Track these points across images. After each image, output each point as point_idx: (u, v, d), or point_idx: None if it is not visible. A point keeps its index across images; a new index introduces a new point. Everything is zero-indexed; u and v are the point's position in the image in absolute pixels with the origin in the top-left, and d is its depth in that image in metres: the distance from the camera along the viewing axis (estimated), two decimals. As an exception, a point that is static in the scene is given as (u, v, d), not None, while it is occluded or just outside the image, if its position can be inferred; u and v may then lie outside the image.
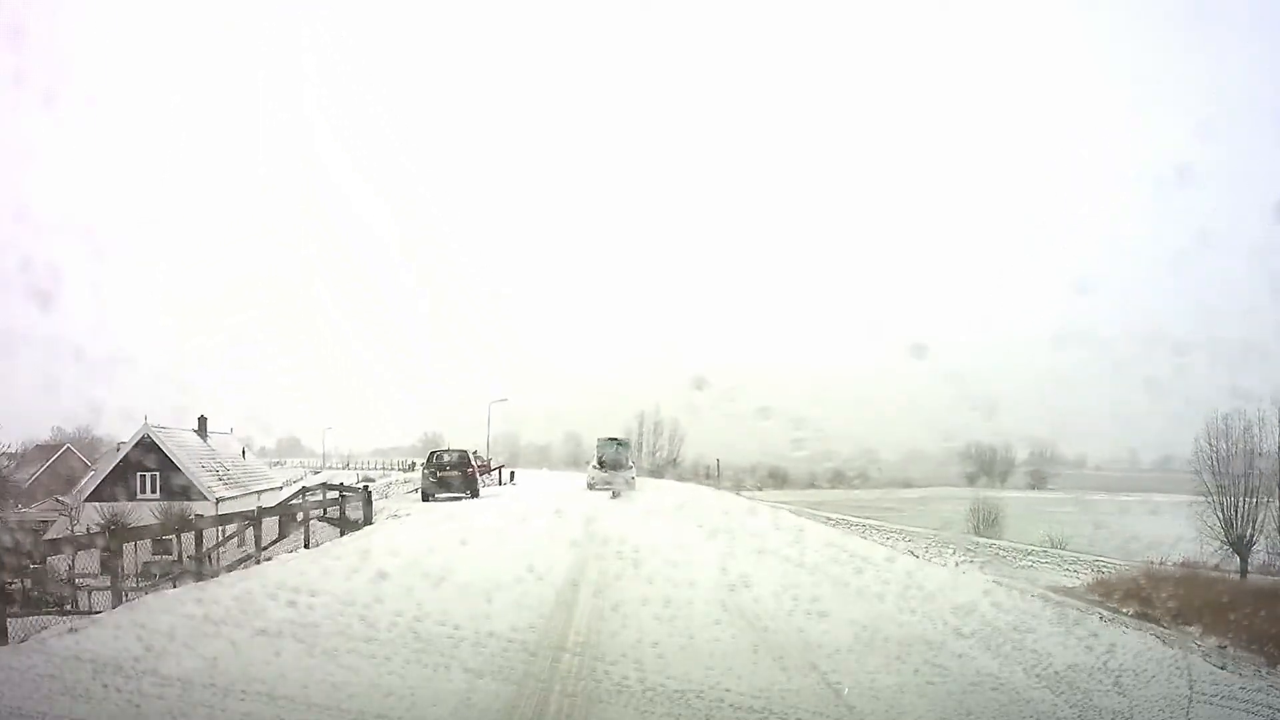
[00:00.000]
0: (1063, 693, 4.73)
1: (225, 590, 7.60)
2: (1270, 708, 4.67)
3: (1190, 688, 4.87)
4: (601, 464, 26.47)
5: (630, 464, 27.20)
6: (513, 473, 32.94)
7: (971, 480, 46.68)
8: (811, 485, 42.29)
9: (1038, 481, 46.36)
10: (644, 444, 45.89)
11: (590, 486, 25.72)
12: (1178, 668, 5.30)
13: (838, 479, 41.99)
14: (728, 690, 4.66)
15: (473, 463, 21.93)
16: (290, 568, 9.32)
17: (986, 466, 47.93)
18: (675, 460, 46.04)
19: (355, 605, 6.70)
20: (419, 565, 9.05)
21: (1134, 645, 5.89)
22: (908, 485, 44.03)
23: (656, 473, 40.04)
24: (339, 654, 5.33)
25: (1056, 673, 5.09)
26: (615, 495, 23.20)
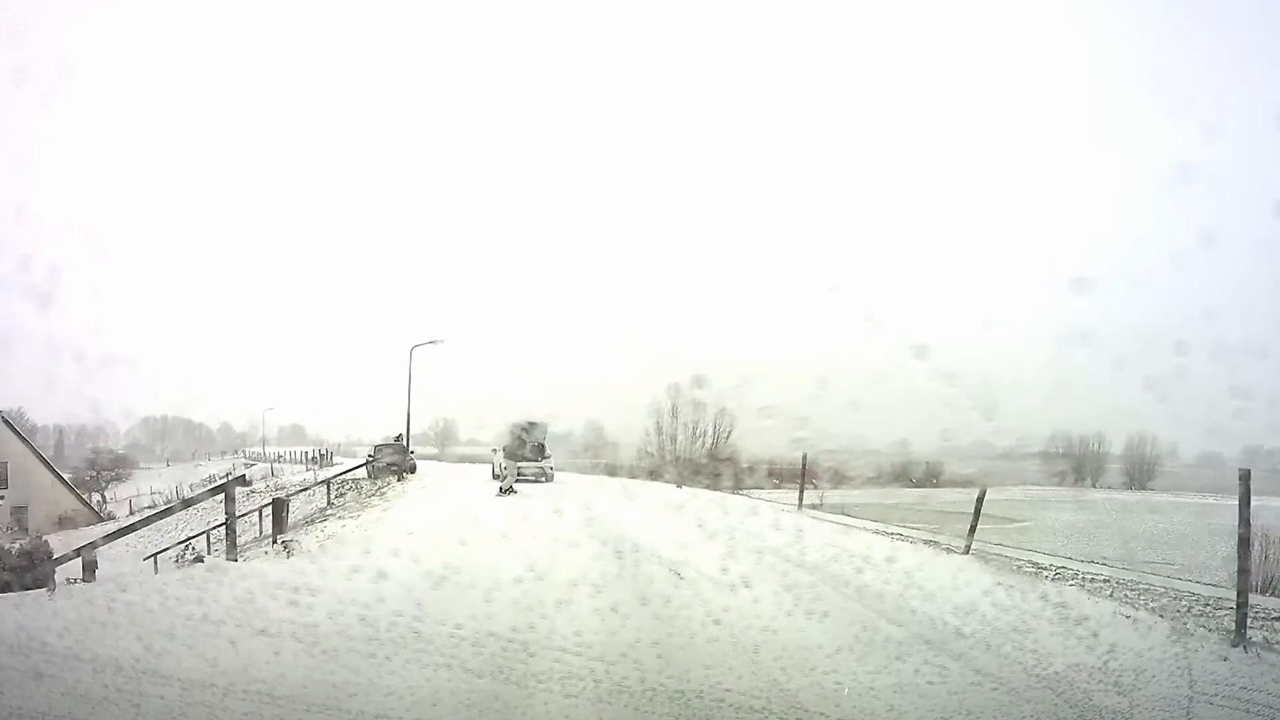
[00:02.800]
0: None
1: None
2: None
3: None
4: (511, 452, 21.93)
5: (547, 452, 22.89)
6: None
7: (1060, 479, 39.38)
8: (883, 485, 34.48)
9: (1137, 480, 38.63)
10: (678, 430, 33.55)
11: (496, 477, 21.62)
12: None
13: (896, 477, 35.34)
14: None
15: None
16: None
17: (1076, 462, 40.20)
18: (726, 456, 32.18)
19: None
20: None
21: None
22: (993, 485, 37.36)
23: (690, 475, 28.80)
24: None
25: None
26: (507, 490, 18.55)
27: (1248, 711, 4.57)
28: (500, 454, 22.37)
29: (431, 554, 9.40)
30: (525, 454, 22.06)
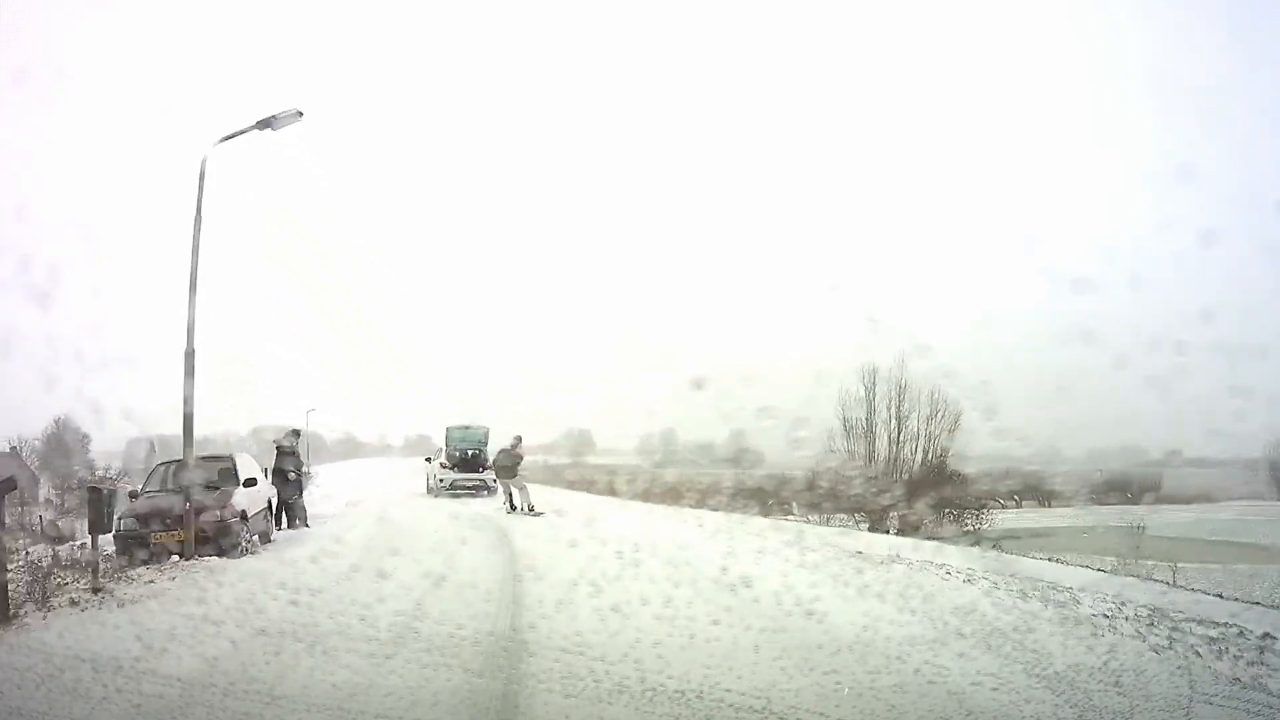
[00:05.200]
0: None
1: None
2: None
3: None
4: (452, 460, 19.65)
5: (489, 461, 19.58)
6: None
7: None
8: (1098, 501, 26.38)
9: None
10: (874, 424, 22.50)
11: (430, 490, 19.82)
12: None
13: (1109, 491, 27.03)
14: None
15: None
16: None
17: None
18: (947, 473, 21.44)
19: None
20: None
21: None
22: (1197, 499, 28.03)
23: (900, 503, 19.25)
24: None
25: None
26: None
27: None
28: (439, 464, 20.04)
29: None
30: (463, 463, 19.54)
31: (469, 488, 19.29)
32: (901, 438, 22.23)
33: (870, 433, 22.26)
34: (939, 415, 21.78)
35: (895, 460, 21.53)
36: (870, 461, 21.79)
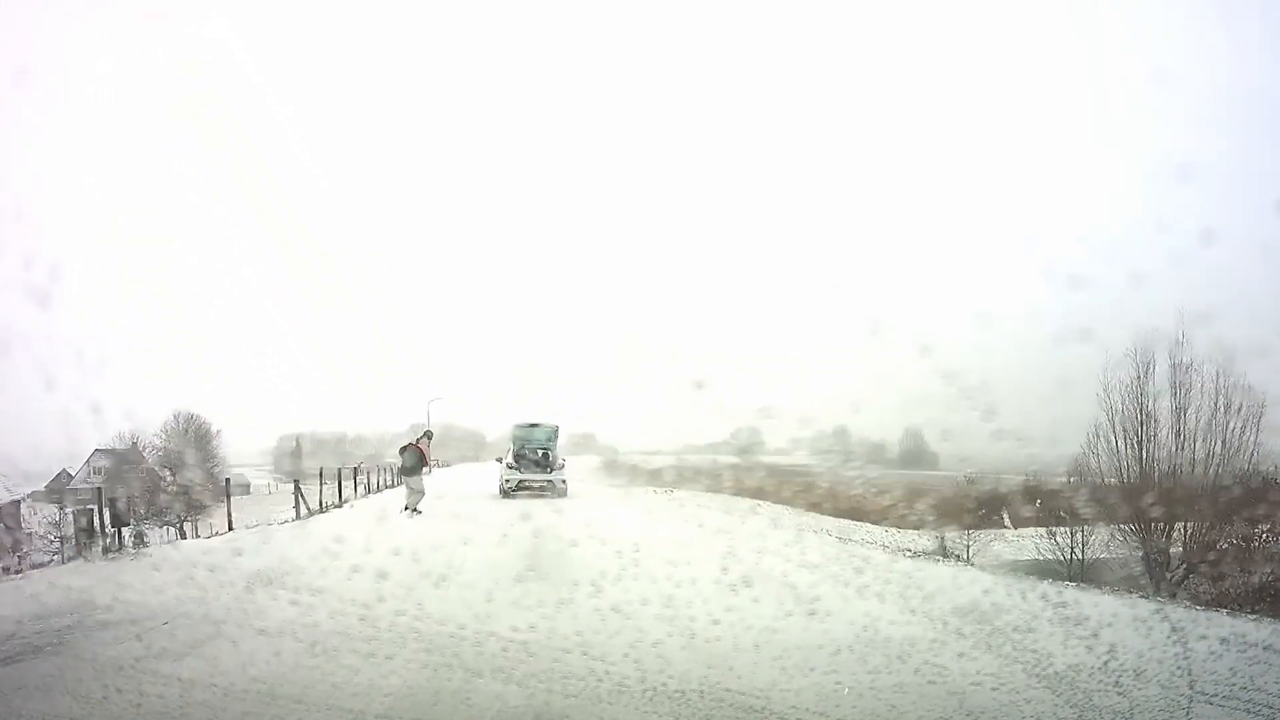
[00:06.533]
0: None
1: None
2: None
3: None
4: (519, 460, 19.04)
5: (561, 459, 19.51)
6: None
7: None
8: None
9: None
10: (1152, 415, 16.89)
11: (504, 493, 18.82)
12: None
13: None
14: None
15: None
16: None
17: None
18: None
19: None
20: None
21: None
22: None
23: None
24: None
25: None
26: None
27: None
28: (506, 464, 19.34)
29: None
30: (532, 463, 18.88)
31: (536, 487, 18.70)
32: (1185, 433, 16.14)
33: (1148, 430, 15.94)
34: (1236, 407, 15.55)
35: (1177, 465, 15.75)
36: (1141, 466, 15.59)
